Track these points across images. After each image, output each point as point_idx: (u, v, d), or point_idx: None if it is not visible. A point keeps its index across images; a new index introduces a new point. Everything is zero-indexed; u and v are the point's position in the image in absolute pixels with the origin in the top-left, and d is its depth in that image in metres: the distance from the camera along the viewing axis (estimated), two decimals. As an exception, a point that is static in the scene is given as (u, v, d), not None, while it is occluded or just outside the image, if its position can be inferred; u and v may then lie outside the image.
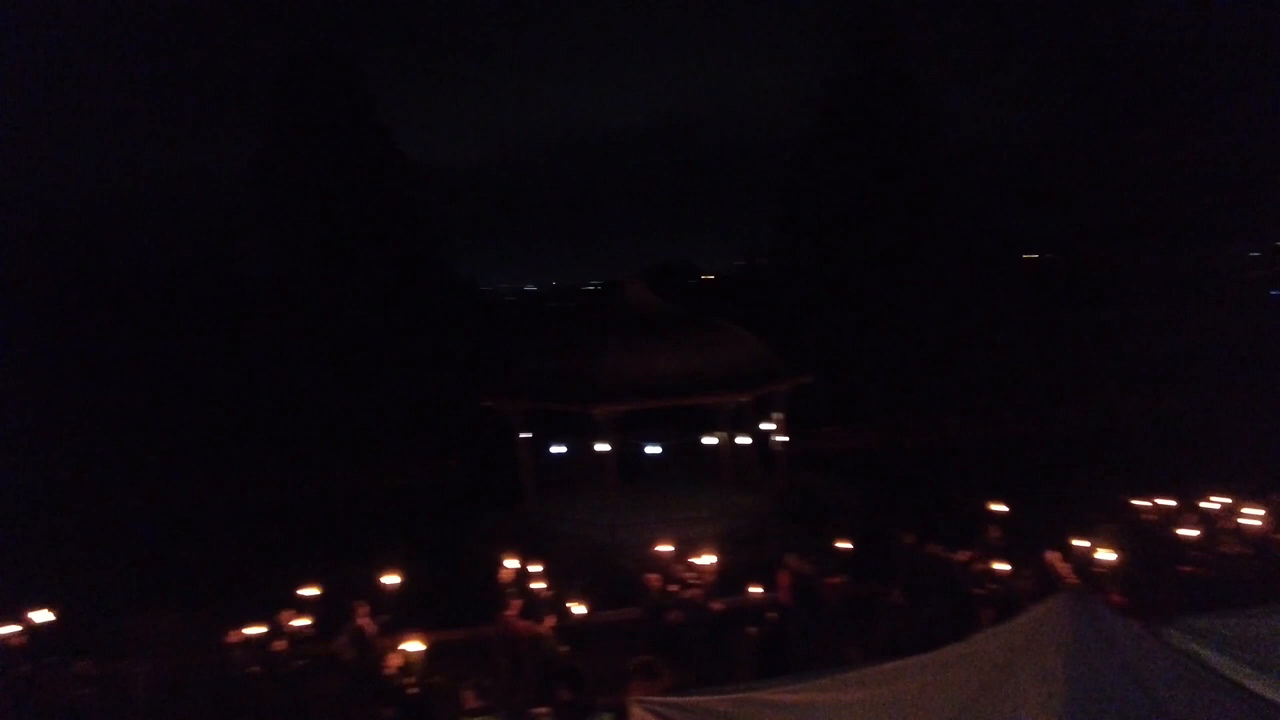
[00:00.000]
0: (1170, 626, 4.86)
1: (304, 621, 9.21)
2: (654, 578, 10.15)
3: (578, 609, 9.48)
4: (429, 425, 27.64)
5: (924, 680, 4.47)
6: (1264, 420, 19.84)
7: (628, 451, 17.92)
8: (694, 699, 4.55)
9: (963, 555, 10.03)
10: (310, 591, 9.92)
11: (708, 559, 10.26)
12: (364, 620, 9.27)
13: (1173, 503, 11.10)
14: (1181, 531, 10.14)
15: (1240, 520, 10.21)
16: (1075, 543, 9.62)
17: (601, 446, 15.99)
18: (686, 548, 10.85)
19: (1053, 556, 9.56)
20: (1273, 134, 35.10)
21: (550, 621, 9.24)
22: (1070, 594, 4.44)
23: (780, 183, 40.95)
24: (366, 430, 27.05)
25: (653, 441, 19.27)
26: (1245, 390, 24.13)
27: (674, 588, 9.93)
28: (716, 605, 9.76)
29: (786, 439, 17.77)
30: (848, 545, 10.71)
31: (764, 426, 18.15)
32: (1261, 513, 10.09)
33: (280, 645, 8.95)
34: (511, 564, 10.50)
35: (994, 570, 9.45)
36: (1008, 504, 11.08)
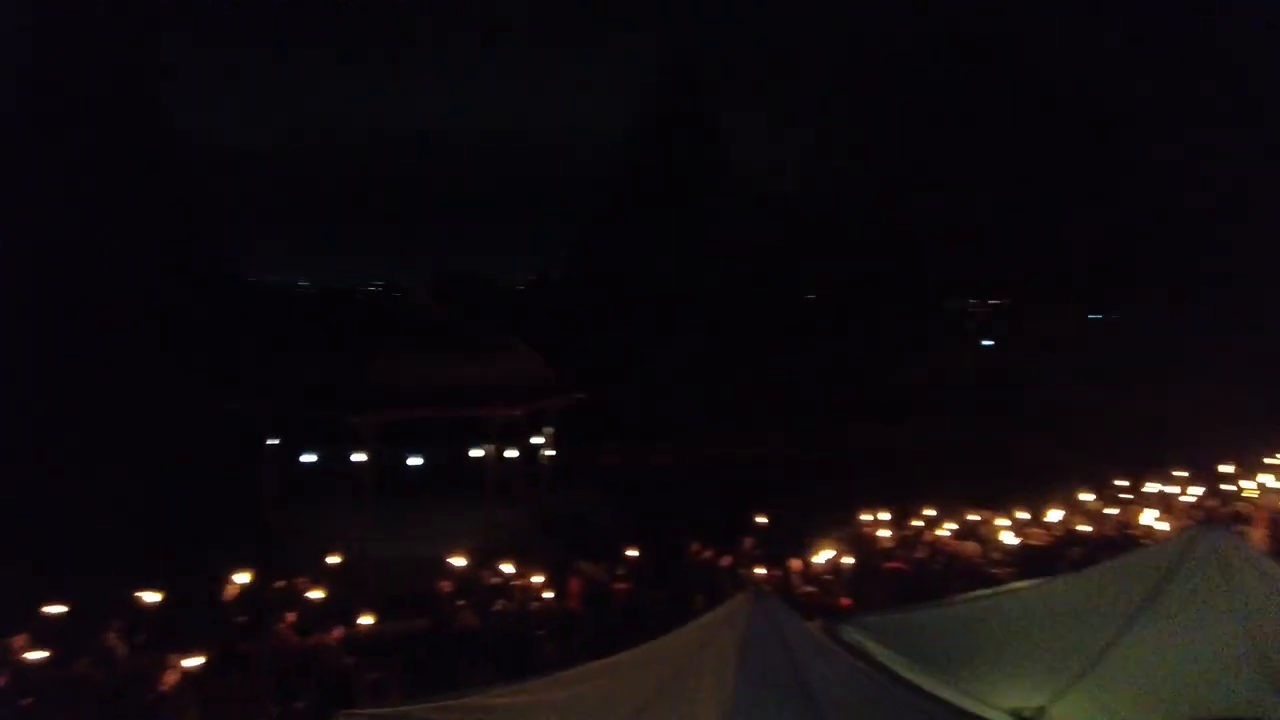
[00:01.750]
0: (844, 623, 5.29)
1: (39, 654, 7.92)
2: (446, 585, 10.15)
3: (365, 620, 9.29)
4: (158, 428, 24.54)
5: (612, 680, 4.54)
6: (973, 450, 22.82)
7: (388, 462, 17.13)
8: (398, 710, 4.63)
9: (726, 561, 10.86)
10: (55, 610, 8.89)
11: (507, 568, 10.44)
12: (115, 640, 8.36)
13: (886, 515, 12.53)
14: (881, 534, 11.79)
15: (939, 532, 11.84)
16: (813, 552, 10.71)
17: (359, 456, 15.18)
18: (483, 557, 10.99)
19: (794, 564, 10.53)
20: (994, 204, 40.84)
21: (337, 633, 8.85)
22: (750, 594, 4.66)
23: (584, 204, 41.96)
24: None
25: (416, 452, 18.52)
26: (959, 425, 27.65)
27: (462, 601, 9.86)
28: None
29: (554, 453, 17.85)
30: (635, 553, 11.15)
31: (534, 441, 18.10)
32: (955, 526, 11.62)
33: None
34: (241, 579, 9.93)
35: (753, 575, 10.19)
36: (765, 516, 12.31)
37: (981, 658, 5.81)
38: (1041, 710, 5.38)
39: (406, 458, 18.08)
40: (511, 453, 17.28)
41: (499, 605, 9.81)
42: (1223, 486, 14.66)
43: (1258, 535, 10.47)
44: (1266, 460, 16.57)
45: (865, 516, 12.63)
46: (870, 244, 42.88)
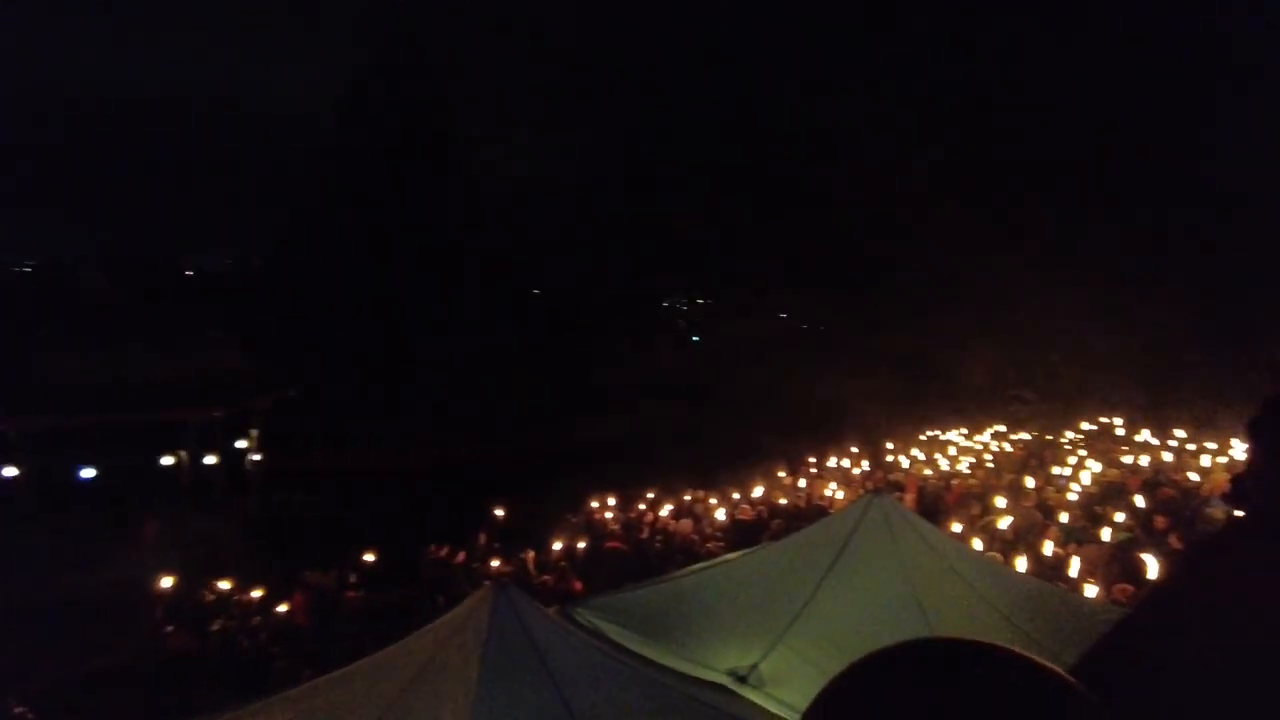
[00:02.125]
0: (578, 606, 5.43)
1: None
2: (152, 609, 9.29)
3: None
4: None
5: (349, 692, 4.30)
6: (685, 437, 24.60)
7: (52, 476, 14.45)
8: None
9: (460, 557, 10.76)
10: None
11: (224, 584, 9.73)
12: None
13: (613, 501, 13.15)
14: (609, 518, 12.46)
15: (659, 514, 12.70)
16: (548, 541, 11.00)
17: (9, 470, 12.67)
18: (192, 575, 10.08)
19: (528, 556, 10.73)
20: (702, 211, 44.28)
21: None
22: (492, 586, 4.63)
23: (292, 182, 38.36)
24: None
25: (87, 463, 15.81)
26: (673, 414, 29.68)
27: (171, 626, 8.99)
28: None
29: (259, 458, 16.26)
30: (371, 557, 10.76)
31: (239, 444, 16.33)
32: (671, 507, 12.52)
33: None
34: None
35: (489, 569, 10.23)
36: (503, 510, 12.37)
37: (700, 625, 6.31)
38: (754, 668, 5.95)
39: (77, 470, 15.39)
40: (211, 459, 15.43)
41: (218, 625, 8.88)
42: (886, 459, 17.39)
43: (909, 499, 12.51)
44: (920, 437, 19.98)
45: (594, 504, 13.15)
46: (595, 243, 44.48)
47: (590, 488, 14.25)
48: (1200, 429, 16.56)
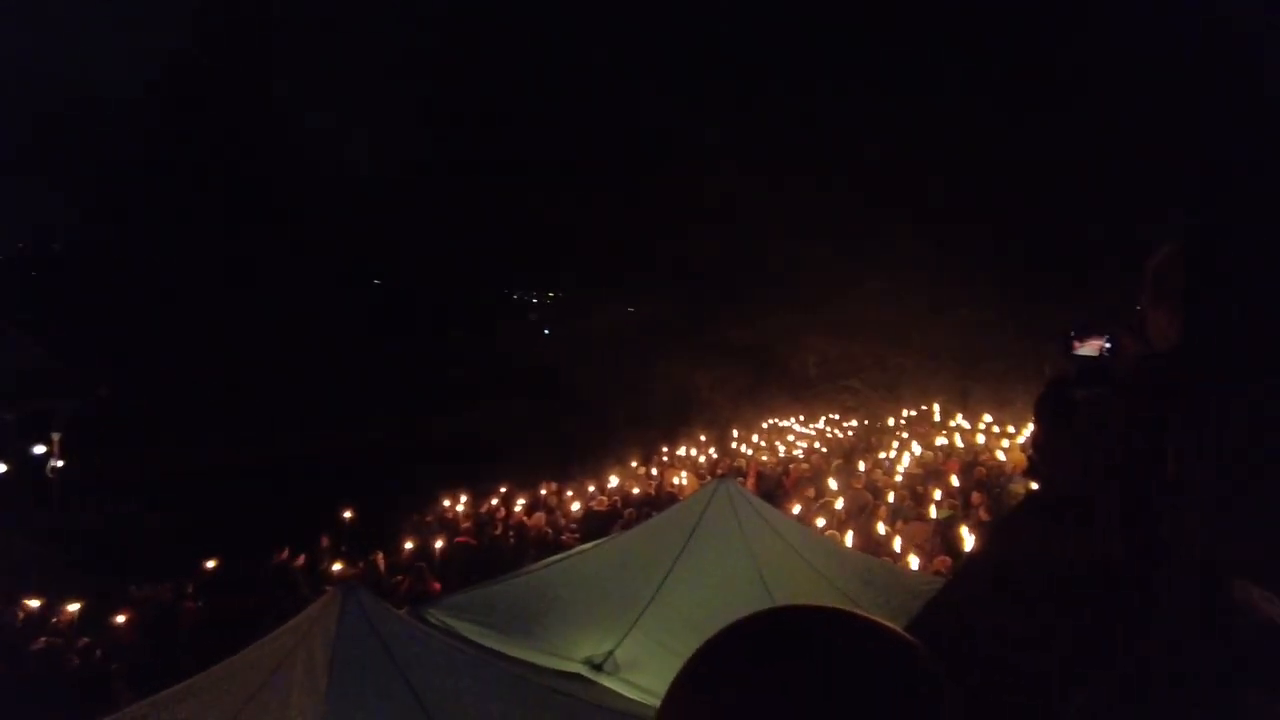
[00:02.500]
0: (430, 607, 5.32)
1: None
2: None
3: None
4: None
5: (189, 707, 4.00)
6: (541, 430, 24.47)
7: None
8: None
9: (300, 560, 10.30)
10: None
11: (33, 602, 8.87)
12: None
13: (464, 497, 12.90)
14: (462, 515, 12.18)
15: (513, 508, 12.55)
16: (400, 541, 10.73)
17: None
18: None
19: (377, 557, 10.37)
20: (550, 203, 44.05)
21: None
22: (338, 590, 4.46)
23: (96, 158, 34.46)
24: None
25: None
26: (524, 409, 29.44)
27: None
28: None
29: (61, 464, 14.62)
30: (213, 564, 10.18)
31: (36, 450, 14.64)
32: (524, 501, 12.45)
33: None
34: None
35: (333, 573, 9.83)
36: (349, 510, 11.93)
37: (555, 617, 6.34)
38: (609, 655, 6.05)
39: None
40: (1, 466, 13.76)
41: (40, 644, 7.96)
42: (731, 447, 18.11)
43: (750, 484, 13.11)
44: (761, 425, 20.95)
45: (445, 501, 12.85)
46: (439, 234, 43.23)
47: (441, 485, 13.90)
48: (1002, 410, 18.44)
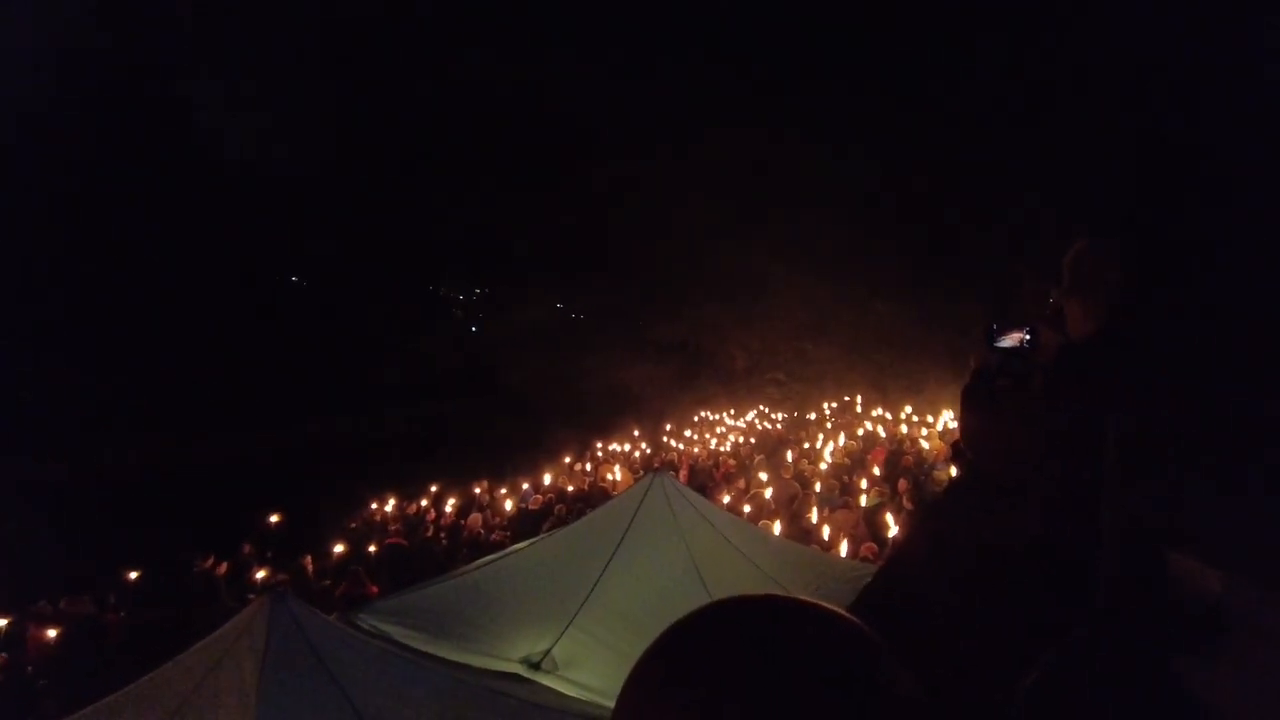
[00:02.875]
0: (361, 611, 5.21)
1: None
2: None
3: None
4: None
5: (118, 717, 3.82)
6: (472, 429, 24.14)
7: None
8: None
9: (221, 568, 9.93)
10: None
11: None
12: None
13: (391, 500, 12.61)
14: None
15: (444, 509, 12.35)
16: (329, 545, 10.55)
17: None
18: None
19: (305, 561, 10.20)
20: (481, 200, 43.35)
21: None
22: (266, 598, 4.32)
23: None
24: None
25: None
26: (454, 407, 29.01)
27: None
28: None
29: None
30: (135, 574, 9.75)
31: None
32: (455, 502, 12.25)
33: None
34: None
35: (256, 580, 9.62)
36: (276, 514, 11.63)
37: (490, 617, 6.27)
38: (547, 653, 6.02)
39: None
40: None
41: None
42: (664, 441, 18.23)
43: (683, 476, 13.23)
44: (693, 419, 21.16)
45: (374, 504, 12.56)
46: (359, 229, 42.04)
47: (367, 487, 13.57)
48: (919, 400, 19.13)
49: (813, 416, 20.52)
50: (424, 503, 12.97)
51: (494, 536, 10.67)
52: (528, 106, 41.34)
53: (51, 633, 8.09)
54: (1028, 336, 1.96)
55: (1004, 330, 2.02)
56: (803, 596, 0.72)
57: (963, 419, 2.22)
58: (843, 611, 0.70)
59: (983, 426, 2.02)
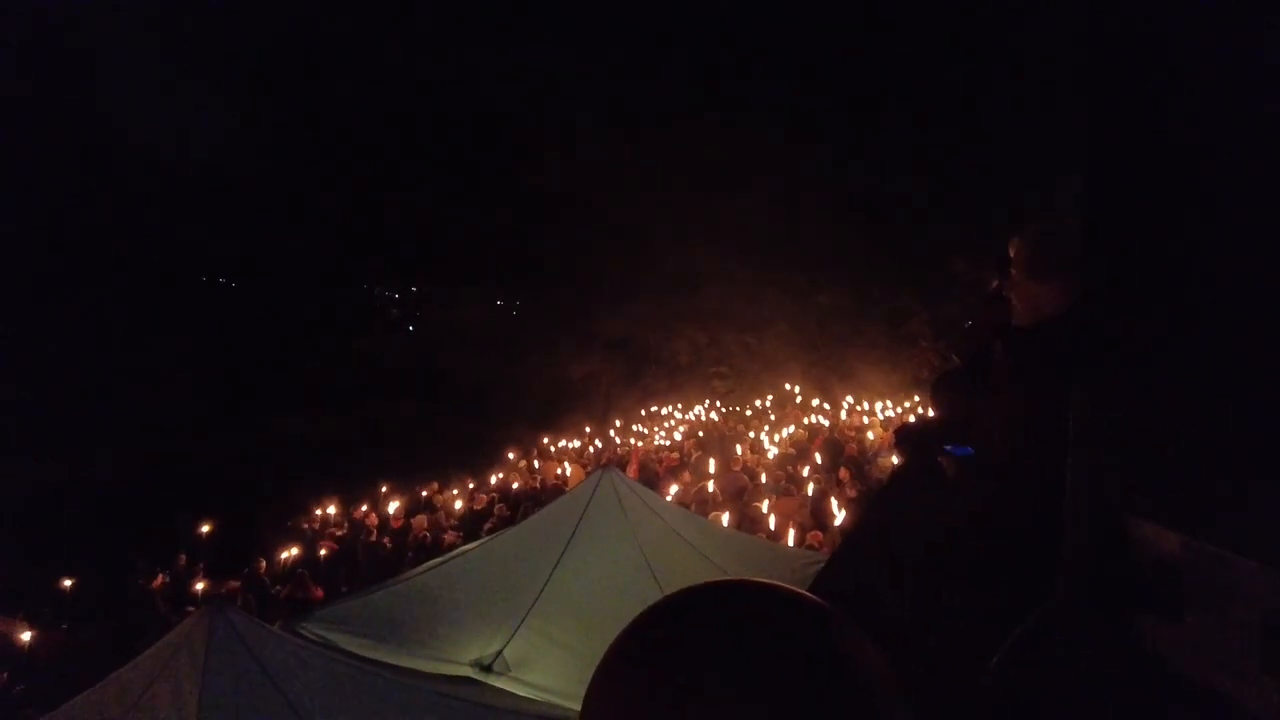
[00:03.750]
0: (305, 620, 5.06)
1: None
2: None
3: None
4: None
5: None
6: (408, 433, 23.68)
7: None
8: None
9: (158, 580, 9.76)
10: None
11: None
12: None
13: (333, 508, 12.33)
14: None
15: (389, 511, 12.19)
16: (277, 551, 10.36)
17: None
18: None
19: (259, 564, 10.05)
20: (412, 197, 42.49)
21: None
22: (209, 607, 4.17)
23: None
24: None
25: None
26: (394, 409, 28.40)
27: None
28: None
29: None
30: (69, 583, 9.49)
31: None
32: (398, 504, 12.05)
33: None
34: None
35: (193, 590, 9.42)
36: (211, 522, 11.26)
37: (439, 621, 6.17)
38: (498, 655, 5.94)
39: None
40: None
41: None
42: (613, 437, 18.19)
43: (632, 471, 13.23)
44: (641, 413, 21.20)
45: (317, 510, 12.27)
46: (290, 229, 40.86)
47: (306, 491, 13.22)
48: (854, 388, 19.57)
49: (757, 407, 20.75)
50: (364, 508, 12.69)
51: (447, 537, 10.51)
52: (461, 102, 40.76)
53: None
54: (971, 452, 1.97)
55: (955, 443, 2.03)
56: (766, 579, 0.72)
57: (935, 406, 2.27)
58: (806, 592, 0.70)
59: (944, 418, 2.06)
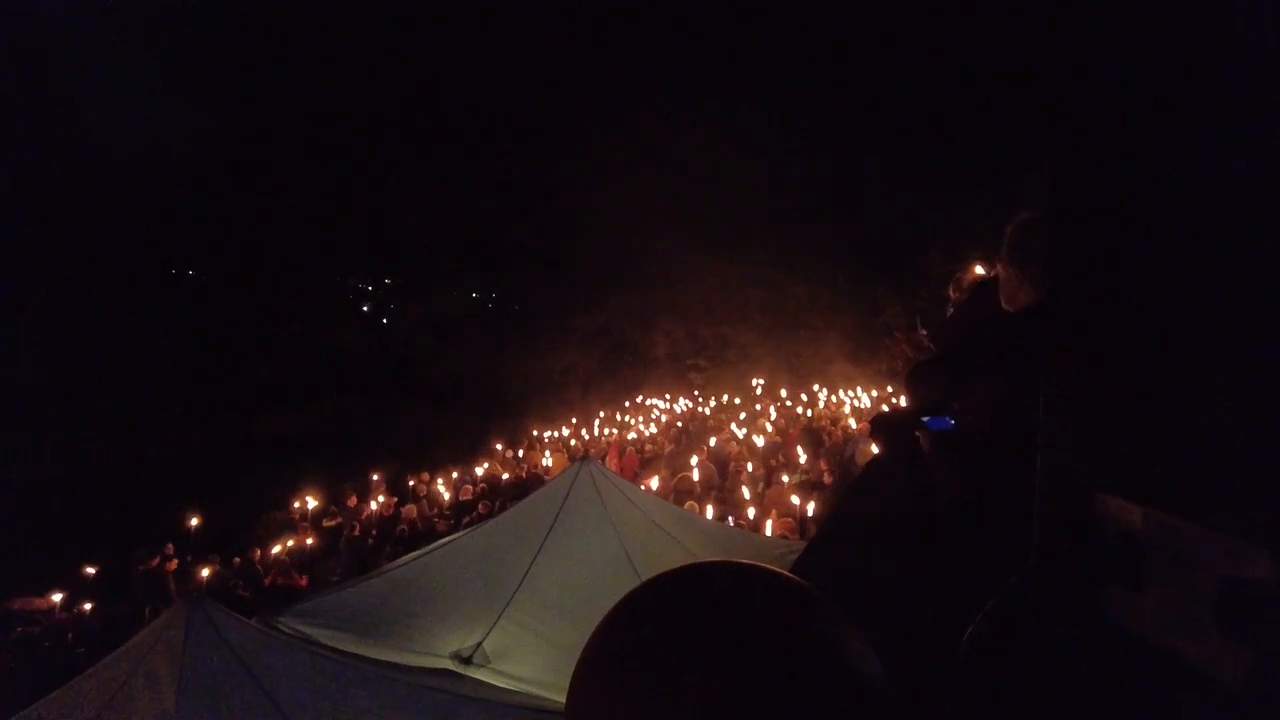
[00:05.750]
0: (281, 615, 5.04)
1: None
2: None
3: None
4: None
5: None
6: (388, 426, 23.54)
7: None
8: None
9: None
10: None
11: None
12: None
13: (312, 501, 12.26)
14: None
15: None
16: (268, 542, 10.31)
17: None
18: None
19: (253, 554, 10.07)
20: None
21: None
22: (184, 603, 4.14)
23: None
24: None
25: None
26: (369, 402, 28.20)
27: None
28: None
29: None
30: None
31: None
32: (383, 498, 12.06)
33: None
34: None
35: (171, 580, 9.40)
36: (196, 514, 11.17)
37: (419, 613, 6.16)
38: (478, 647, 5.94)
39: None
40: None
41: None
42: (594, 427, 18.22)
43: (612, 462, 13.27)
44: (624, 404, 21.25)
45: (296, 502, 12.17)
46: (260, 219, 40.04)
47: (280, 485, 13.09)
48: (830, 377, 19.77)
49: (738, 398, 20.85)
50: (349, 503, 12.61)
51: (438, 526, 10.48)
52: (436, 93, 40.33)
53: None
54: (952, 421, 2.02)
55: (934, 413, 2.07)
56: (755, 562, 0.71)
57: (910, 396, 2.30)
58: (790, 574, 0.70)
59: (930, 402, 2.09)
